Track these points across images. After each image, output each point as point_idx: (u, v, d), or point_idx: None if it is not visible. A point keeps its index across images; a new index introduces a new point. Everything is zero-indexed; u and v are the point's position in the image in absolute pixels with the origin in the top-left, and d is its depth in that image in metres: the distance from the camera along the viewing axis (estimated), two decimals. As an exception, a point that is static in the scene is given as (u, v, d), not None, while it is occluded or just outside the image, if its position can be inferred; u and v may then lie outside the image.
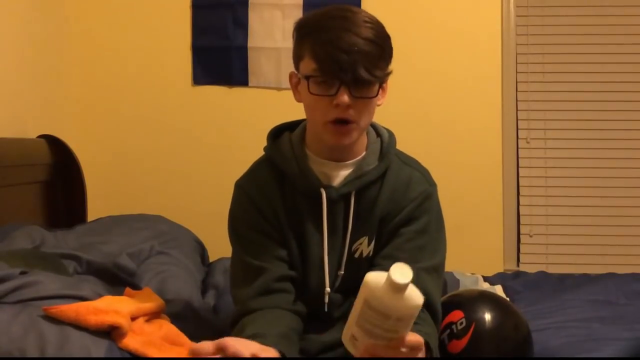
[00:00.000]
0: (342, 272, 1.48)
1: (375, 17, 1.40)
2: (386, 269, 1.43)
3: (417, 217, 1.47)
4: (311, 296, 1.48)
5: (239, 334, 1.34)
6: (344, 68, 1.32)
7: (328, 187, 1.45)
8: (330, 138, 1.39)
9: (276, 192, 1.48)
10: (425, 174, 1.54)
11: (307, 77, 1.37)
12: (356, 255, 1.48)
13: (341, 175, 1.46)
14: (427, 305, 1.40)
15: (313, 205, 1.46)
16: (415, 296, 1.11)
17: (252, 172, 1.54)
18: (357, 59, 1.31)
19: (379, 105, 1.43)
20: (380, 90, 1.42)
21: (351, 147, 1.45)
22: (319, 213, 1.45)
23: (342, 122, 1.37)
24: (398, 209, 1.46)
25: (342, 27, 1.33)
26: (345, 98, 1.33)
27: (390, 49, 1.40)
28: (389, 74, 1.41)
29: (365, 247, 1.48)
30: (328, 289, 1.46)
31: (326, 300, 1.47)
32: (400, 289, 1.08)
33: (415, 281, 1.40)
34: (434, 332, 1.40)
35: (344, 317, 1.48)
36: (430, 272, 1.45)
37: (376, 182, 1.47)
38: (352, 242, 1.47)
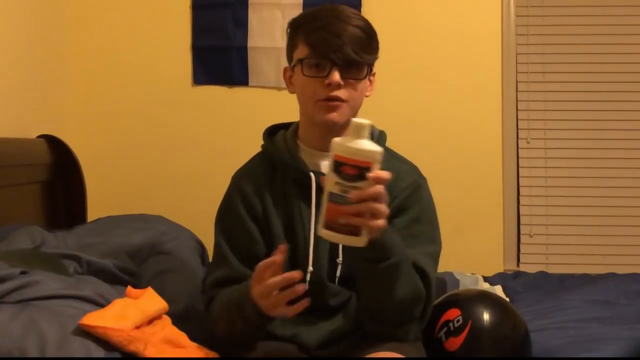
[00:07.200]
0: (341, 260, 1.50)
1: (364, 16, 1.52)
2: None
3: (408, 207, 1.52)
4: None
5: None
6: (334, 50, 1.43)
7: (317, 173, 1.51)
8: (322, 115, 1.47)
9: (266, 181, 1.55)
10: (413, 167, 1.60)
11: (301, 60, 1.47)
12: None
13: None
14: (422, 275, 1.44)
15: (303, 193, 1.51)
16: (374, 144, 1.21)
17: (246, 164, 1.63)
18: (347, 42, 1.43)
19: (367, 97, 1.53)
20: (368, 82, 1.51)
21: (341, 135, 1.47)
22: (309, 200, 1.50)
23: (332, 100, 1.46)
24: (388, 200, 1.47)
25: (333, 16, 1.46)
26: (336, 76, 1.43)
27: (377, 41, 1.51)
28: (375, 59, 1.52)
29: None
30: (311, 268, 1.49)
31: (307, 278, 1.47)
32: (360, 128, 1.19)
33: (412, 259, 1.42)
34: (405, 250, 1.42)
35: (341, 308, 1.49)
36: (426, 257, 1.48)
37: None
38: None
